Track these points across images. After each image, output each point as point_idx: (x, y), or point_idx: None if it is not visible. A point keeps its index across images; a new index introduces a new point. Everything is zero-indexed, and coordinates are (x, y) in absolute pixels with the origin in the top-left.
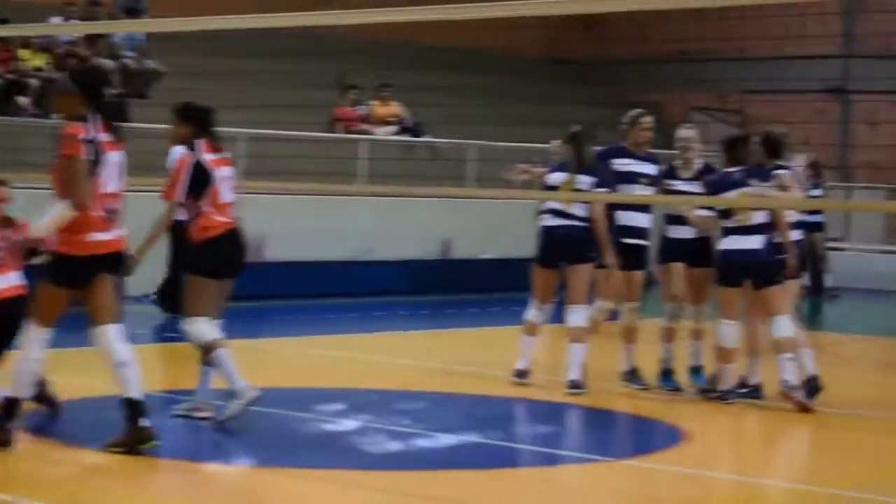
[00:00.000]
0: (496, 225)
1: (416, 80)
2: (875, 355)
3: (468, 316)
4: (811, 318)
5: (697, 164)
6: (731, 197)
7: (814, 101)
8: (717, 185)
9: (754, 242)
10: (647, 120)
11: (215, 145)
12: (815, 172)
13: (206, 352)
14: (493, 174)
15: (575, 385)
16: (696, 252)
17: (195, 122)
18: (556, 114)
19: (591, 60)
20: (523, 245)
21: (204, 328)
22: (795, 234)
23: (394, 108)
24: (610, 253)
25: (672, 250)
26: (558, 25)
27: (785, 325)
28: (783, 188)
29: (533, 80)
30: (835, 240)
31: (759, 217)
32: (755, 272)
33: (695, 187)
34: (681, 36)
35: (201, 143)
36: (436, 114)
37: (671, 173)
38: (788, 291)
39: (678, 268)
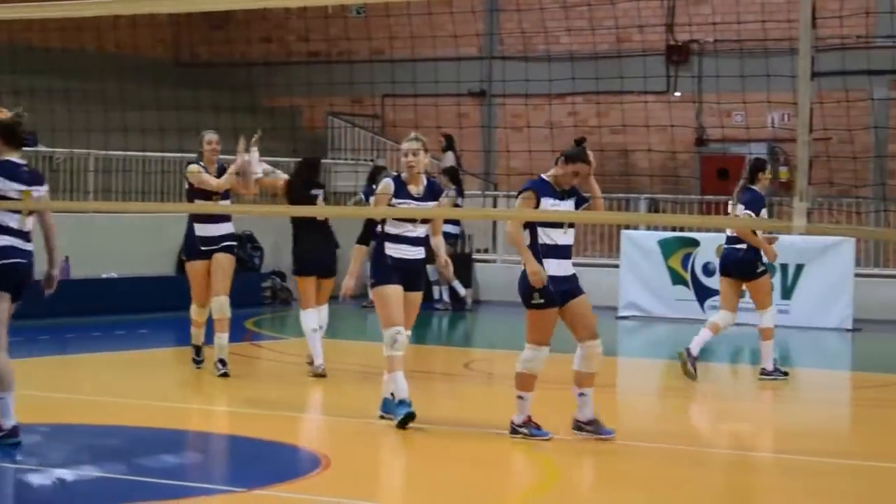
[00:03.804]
0: (120, 241)
1: (26, 84)
2: None
3: (90, 340)
4: (450, 333)
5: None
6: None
7: (455, 105)
8: None
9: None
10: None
11: None
12: (452, 179)
13: None
14: (115, 186)
15: None
16: (417, 274)
17: None
18: (184, 121)
19: (220, 62)
20: (151, 263)
21: None
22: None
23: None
24: None
25: (396, 271)
26: (184, 25)
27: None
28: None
29: (157, 83)
30: (482, 251)
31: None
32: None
33: (432, 206)
34: (315, 36)
35: None
36: (49, 121)
37: (401, 189)
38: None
39: (401, 290)
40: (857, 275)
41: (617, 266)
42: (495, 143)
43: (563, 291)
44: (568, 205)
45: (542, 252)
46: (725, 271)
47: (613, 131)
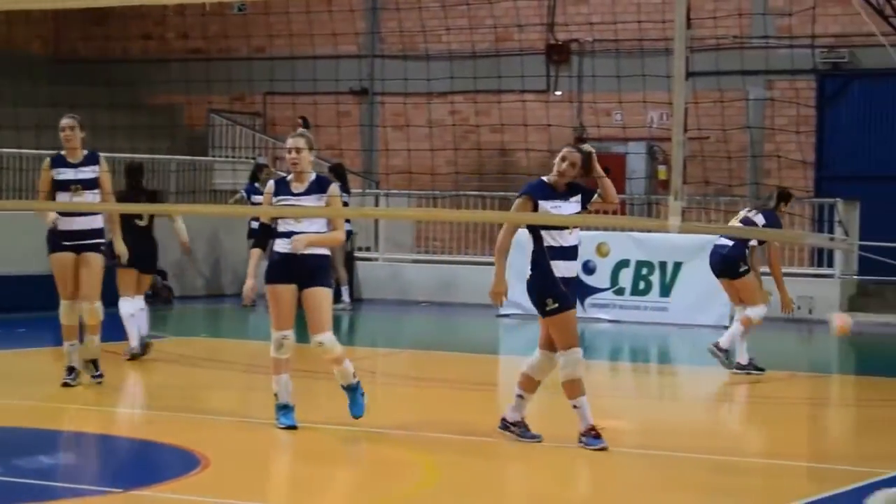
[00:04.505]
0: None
1: None
2: (405, 369)
3: None
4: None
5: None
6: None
7: (338, 103)
8: None
9: None
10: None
11: None
12: (338, 177)
13: None
14: None
15: None
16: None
17: None
18: (61, 118)
19: (101, 59)
20: (28, 261)
21: None
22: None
23: None
24: None
25: (284, 268)
26: (63, 20)
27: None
28: None
29: (35, 80)
30: (363, 249)
31: None
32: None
33: (312, 202)
34: (197, 33)
35: None
36: None
37: (281, 187)
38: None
39: (290, 289)
40: None
41: None
42: (377, 141)
43: (571, 294)
44: (572, 204)
45: (550, 255)
46: (714, 271)
47: (494, 130)
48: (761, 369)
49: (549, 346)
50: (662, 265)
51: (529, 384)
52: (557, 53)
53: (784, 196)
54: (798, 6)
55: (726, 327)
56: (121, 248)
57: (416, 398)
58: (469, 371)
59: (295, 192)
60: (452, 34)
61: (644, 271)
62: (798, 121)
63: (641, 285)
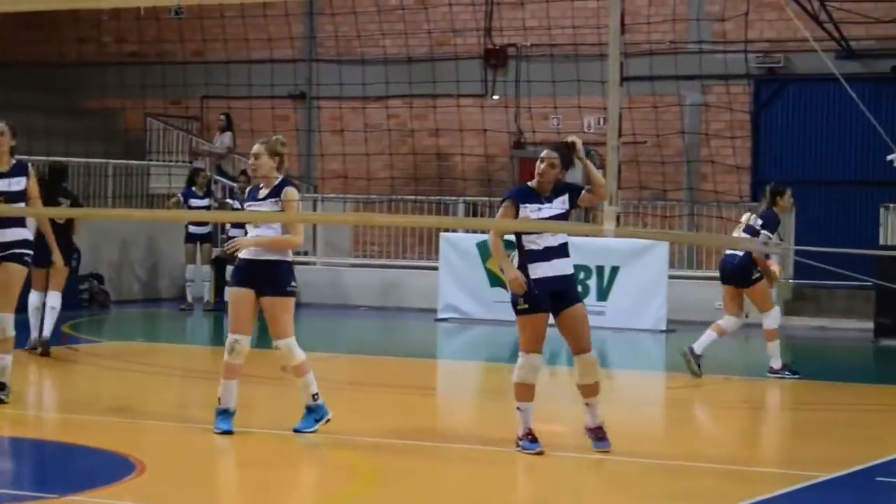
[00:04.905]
0: None
1: None
2: (343, 374)
3: None
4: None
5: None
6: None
7: (276, 108)
8: None
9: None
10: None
11: None
12: None
13: None
14: None
15: None
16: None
17: None
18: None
19: (38, 62)
20: None
21: None
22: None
23: None
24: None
25: (241, 272)
26: (0, 23)
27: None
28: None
29: None
30: (302, 253)
31: None
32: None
33: (267, 206)
34: (135, 37)
35: None
36: None
37: (252, 192)
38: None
39: (248, 294)
40: (670, 277)
41: (436, 268)
42: (314, 145)
43: (555, 293)
44: (556, 205)
45: (529, 257)
46: (723, 278)
47: (430, 134)
48: (796, 372)
49: (570, 347)
50: (599, 269)
51: (580, 389)
52: (495, 58)
53: (777, 191)
54: (733, 11)
55: (662, 331)
56: (59, 259)
57: (354, 402)
58: (407, 375)
59: (259, 197)
60: (389, 38)
61: (581, 275)
62: (733, 125)
63: (578, 289)
